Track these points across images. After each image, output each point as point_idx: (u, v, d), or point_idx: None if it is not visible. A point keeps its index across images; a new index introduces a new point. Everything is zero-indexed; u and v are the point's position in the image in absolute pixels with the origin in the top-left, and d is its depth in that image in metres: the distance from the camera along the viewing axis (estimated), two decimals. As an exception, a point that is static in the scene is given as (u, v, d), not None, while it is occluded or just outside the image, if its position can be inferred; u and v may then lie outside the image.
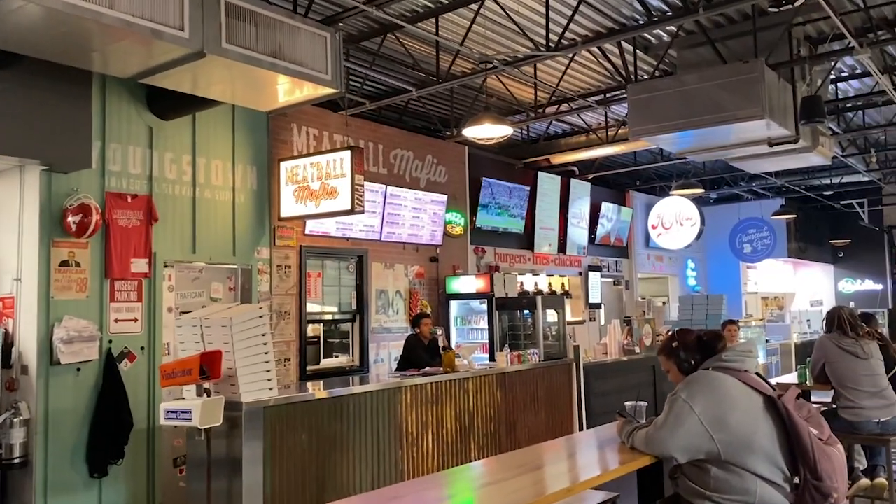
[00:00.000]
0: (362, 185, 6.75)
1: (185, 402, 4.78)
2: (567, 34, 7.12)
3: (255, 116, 7.21)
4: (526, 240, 11.84)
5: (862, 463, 5.73)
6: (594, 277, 13.27)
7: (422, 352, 7.53)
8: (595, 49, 7.97)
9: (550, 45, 6.93)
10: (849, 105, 10.45)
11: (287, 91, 5.80)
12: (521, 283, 11.80)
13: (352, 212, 6.78)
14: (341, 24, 5.99)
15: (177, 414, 4.76)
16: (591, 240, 13.45)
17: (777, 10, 6.71)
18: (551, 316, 9.27)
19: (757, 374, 3.12)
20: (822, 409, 5.56)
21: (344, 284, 8.59)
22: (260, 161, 7.40)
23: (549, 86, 8.92)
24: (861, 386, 5.14)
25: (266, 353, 5.05)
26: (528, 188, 11.61)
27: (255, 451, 4.94)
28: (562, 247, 12.62)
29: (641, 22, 7.10)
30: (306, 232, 7.93)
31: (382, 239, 8.91)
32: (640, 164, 12.87)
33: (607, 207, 13.80)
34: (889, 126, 10.72)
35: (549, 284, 12.66)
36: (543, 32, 6.94)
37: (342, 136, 8.43)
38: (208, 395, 4.85)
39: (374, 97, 8.55)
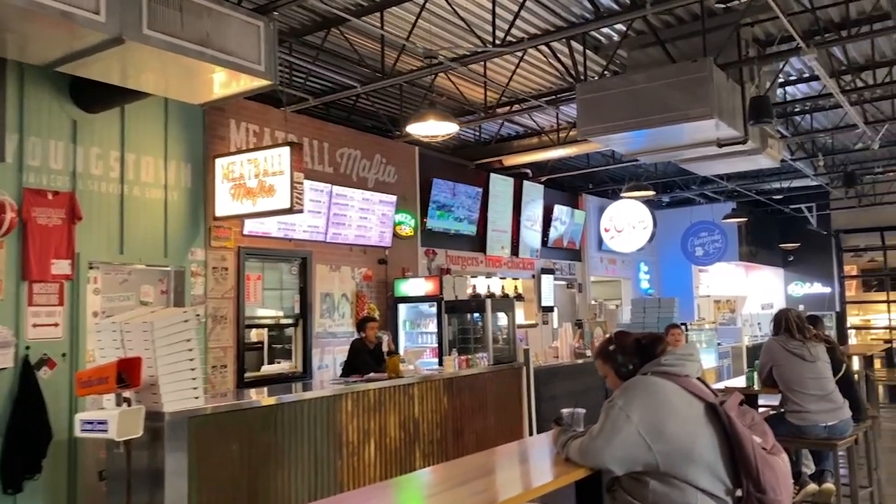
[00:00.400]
0: (302, 183, 6.47)
1: (102, 413, 4.52)
2: (515, 31, 6.96)
3: (190, 111, 6.88)
4: (478, 242, 11.66)
5: (810, 468, 5.66)
6: (547, 280, 13.16)
7: (367, 357, 7.28)
8: (545, 49, 7.84)
9: (497, 41, 6.75)
10: (797, 109, 10.51)
11: (219, 83, 5.52)
12: (474, 286, 11.63)
13: (290, 211, 6.50)
14: (277, 14, 5.71)
15: (93, 425, 4.49)
16: (545, 242, 13.34)
17: (724, 5, 6.63)
18: (502, 319, 9.10)
19: (699, 379, 2.94)
20: (772, 412, 5.49)
21: (286, 287, 8.29)
22: (195, 158, 7.06)
23: (500, 85, 8.75)
24: (808, 389, 5.05)
25: (192, 360, 4.77)
26: (480, 190, 11.43)
27: (179, 463, 4.66)
28: (515, 249, 12.47)
29: (590, 19, 6.96)
30: (245, 232, 7.60)
31: (328, 240, 8.62)
32: (593, 167, 12.80)
33: (560, 210, 13.71)
34: (836, 130, 10.81)
35: (503, 287, 12.52)
36: (490, 29, 6.76)
37: (284, 133, 8.13)
38: (129, 405, 4.56)
39: (318, 93, 8.27)
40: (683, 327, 9.40)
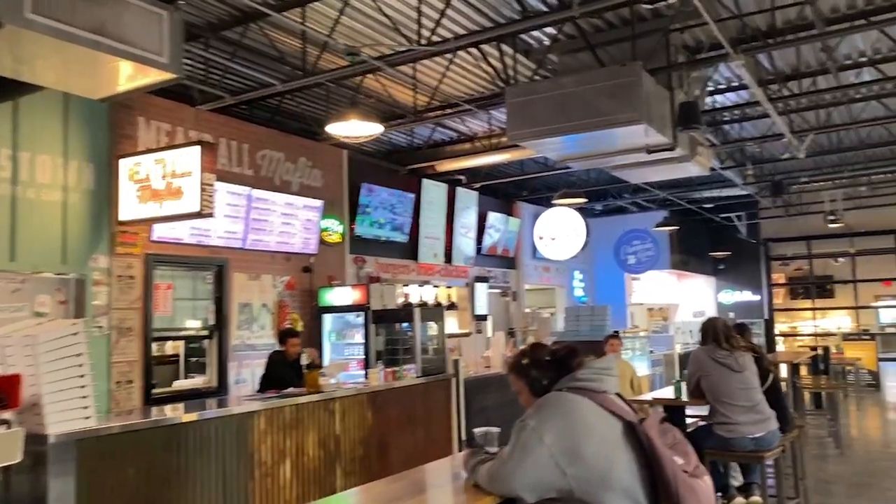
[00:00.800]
0: (212, 185, 6.06)
1: (-25, 437, 4.04)
2: (442, 31, 6.73)
3: (93, 107, 6.39)
4: (410, 249, 11.37)
5: (738, 479, 5.55)
6: (481, 288, 12.96)
7: (285, 370, 6.88)
8: (475, 51, 7.63)
9: (423, 41, 6.50)
10: (726, 117, 10.60)
11: (119, 75, 5.08)
12: (406, 295, 11.34)
13: (199, 215, 6.08)
14: (183, 3, 5.31)
15: (-36, 451, 4.01)
16: (479, 250, 13.15)
17: (651, 6, 6.55)
18: (432, 329, 8.82)
19: (618, 394, 2.71)
20: (702, 422, 5.36)
21: (200, 297, 7.82)
22: (98, 157, 6.57)
23: (430, 88, 8.51)
24: (736, 400, 4.92)
25: (82, 377, 4.31)
26: (412, 196, 11.15)
27: (66, 490, 4.21)
28: (448, 257, 12.23)
29: (518, 19, 6.78)
30: (154, 238, 7.12)
31: (246, 247, 8.18)
32: (527, 174, 12.69)
33: (495, 217, 13.55)
34: (764, 139, 10.95)
35: (436, 296, 12.26)
36: (416, 28, 6.51)
37: (199, 133, 7.68)
38: (8, 427, 4.11)
39: (236, 92, 7.85)
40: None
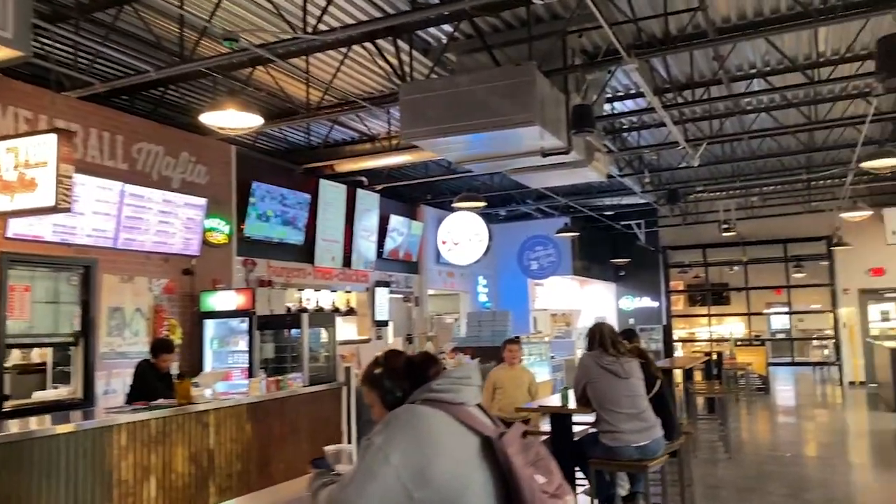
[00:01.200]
0: (70, 178, 5.50)
1: None
2: (330, 20, 6.40)
3: (-65, 88, 5.73)
4: (306, 252, 10.92)
5: (625, 488, 5.44)
6: (382, 293, 12.63)
7: (155, 381, 6.35)
8: (371, 47, 7.35)
9: (308, 29, 6.15)
10: (625, 125, 10.70)
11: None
12: (301, 300, 10.90)
13: (55, 210, 5.50)
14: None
15: None
16: (380, 254, 12.82)
17: (543, 1, 6.44)
18: (323, 335, 8.45)
19: (478, 405, 2.46)
20: (592, 430, 5.23)
21: (64, 300, 7.15)
22: (-59, 144, 5.89)
23: (323, 83, 8.15)
24: (621, 407, 4.80)
25: None
26: (309, 196, 10.72)
27: None
28: (347, 261, 11.84)
29: (408, 10, 6.53)
30: (9, 235, 6.44)
31: (118, 246, 7.55)
32: (431, 177, 12.46)
33: (398, 221, 13.27)
34: (660, 147, 11.11)
35: (334, 301, 11.86)
36: (301, 14, 6.16)
37: (66, 122, 7.04)
38: None
39: (109, 78, 7.26)
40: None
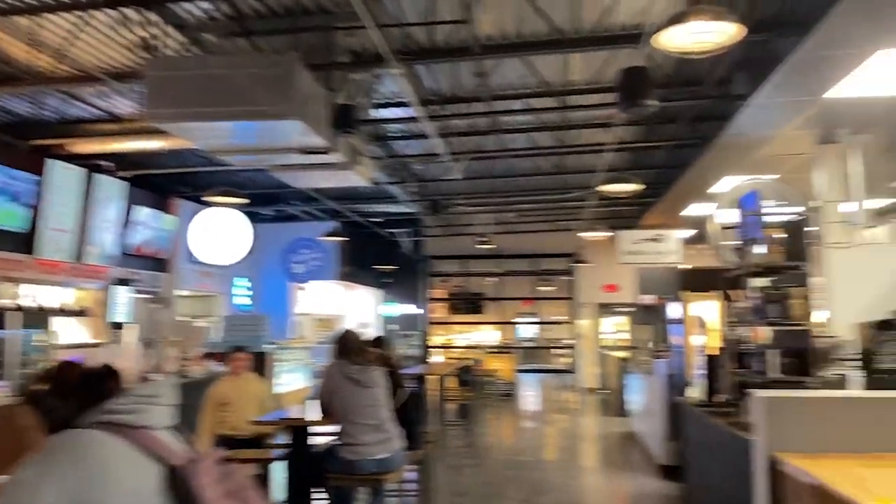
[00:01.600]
0: None
1: None
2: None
3: None
4: (27, 242, 9.49)
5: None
6: (122, 292, 11.41)
7: None
8: (114, 13, 6.53)
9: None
10: (395, 134, 10.69)
11: None
12: (17, 296, 9.46)
13: None
14: None
15: None
16: (123, 249, 11.59)
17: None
18: (41, 338, 7.35)
19: (170, 427, 2.09)
20: (337, 442, 4.96)
21: None
22: None
23: (55, 50, 7.11)
24: (363, 419, 4.63)
25: None
26: (35, 177, 9.34)
27: None
28: (80, 254, 10.51)
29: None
30: None
31: None
32: (188, 168, 11.51)
33: (146, 213, 12.10)
34: (425, 157, 11.27)
35: (62, 300, 10.47)
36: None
37: None
38: None
39: None
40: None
